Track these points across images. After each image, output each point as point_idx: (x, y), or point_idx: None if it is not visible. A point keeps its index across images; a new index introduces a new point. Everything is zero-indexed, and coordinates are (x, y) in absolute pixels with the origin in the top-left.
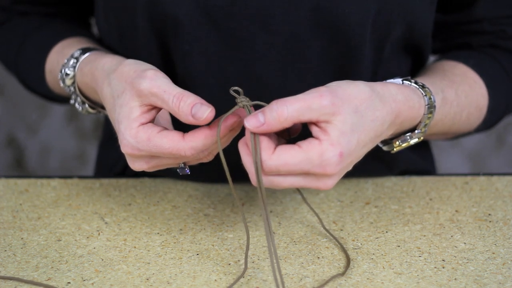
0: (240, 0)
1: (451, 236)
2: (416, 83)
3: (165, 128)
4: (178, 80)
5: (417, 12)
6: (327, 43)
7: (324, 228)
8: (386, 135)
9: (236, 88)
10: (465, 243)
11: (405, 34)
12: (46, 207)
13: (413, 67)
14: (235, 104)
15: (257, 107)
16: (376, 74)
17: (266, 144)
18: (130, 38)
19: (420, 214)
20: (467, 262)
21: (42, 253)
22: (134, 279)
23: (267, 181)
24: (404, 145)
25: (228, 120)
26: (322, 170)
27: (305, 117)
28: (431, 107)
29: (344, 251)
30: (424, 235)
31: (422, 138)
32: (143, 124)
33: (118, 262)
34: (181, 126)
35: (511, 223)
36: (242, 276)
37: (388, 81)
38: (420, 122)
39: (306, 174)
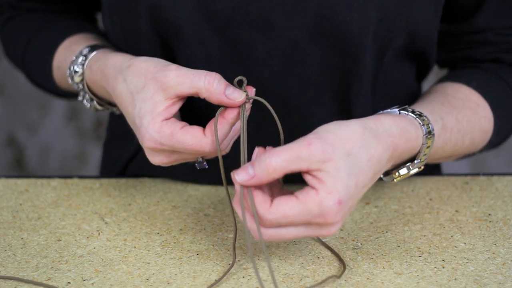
0: (241, 6)
1: (451, 236)
2: (413, 112)
3: (187, 124)
4: None
5: (420, 21)
6: (328, 51)
7: (320, 241)
8: (386, 168)
9: (240, 77)
10: (465, 243)
11: (407, 41)
12: (46, 207)
13: (418, 73)
14: None
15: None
16: (377, 80)
17: (261, 198)
18: (134, 40)
19: (420, 214)
20: (467, 262)
21: (42, 253)
22: (134, 279)
23: (270, 234)
24: (404, 175)
25: (230, 113)
26: (323, 220)
27: (295, 166)
28: (429, 136)
29: (340, 258)
30: (424, 235)
31: (422, 167)
32: (166, 119)
33: (118, 262)
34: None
35: (511, 223)
36: (232, 266)
37: (384, 111)
38: (419, 152)
39: (308, 224)
